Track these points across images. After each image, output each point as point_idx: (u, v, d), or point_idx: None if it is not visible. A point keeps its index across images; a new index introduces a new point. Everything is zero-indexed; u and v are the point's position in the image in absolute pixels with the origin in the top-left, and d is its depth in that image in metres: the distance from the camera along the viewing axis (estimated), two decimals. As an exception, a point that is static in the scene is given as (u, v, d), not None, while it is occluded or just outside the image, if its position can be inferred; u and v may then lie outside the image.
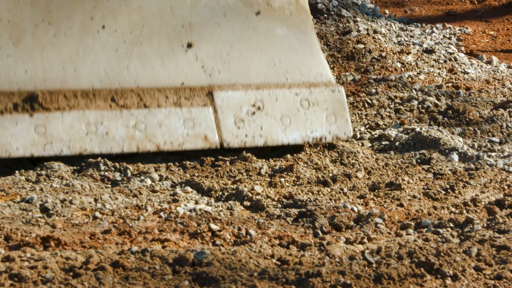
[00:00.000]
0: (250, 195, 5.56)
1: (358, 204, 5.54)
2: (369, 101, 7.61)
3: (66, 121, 5.76)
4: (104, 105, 5.87)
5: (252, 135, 6.17)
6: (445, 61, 9.08)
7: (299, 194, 5.64)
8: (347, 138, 6.47)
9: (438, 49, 9.36)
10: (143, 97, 5.98)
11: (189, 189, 5.65)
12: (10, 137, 5.65)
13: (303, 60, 6.54)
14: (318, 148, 6.41)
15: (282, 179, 5.85)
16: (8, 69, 5.79)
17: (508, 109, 7.76)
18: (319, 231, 5.08)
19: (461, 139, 6.82)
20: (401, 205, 5.57)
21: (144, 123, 5.94)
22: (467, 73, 8.74)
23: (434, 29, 10.36)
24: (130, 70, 6.06)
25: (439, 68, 8.87)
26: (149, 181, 5.70)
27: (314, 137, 6.36)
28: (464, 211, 5.46)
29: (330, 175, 5.98)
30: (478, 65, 8.99)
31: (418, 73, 8.64)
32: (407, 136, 6.81)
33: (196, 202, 5.46)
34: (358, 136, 6.89)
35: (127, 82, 6.04)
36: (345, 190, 5.77)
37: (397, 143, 6.68)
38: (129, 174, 5.78)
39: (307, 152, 6.36)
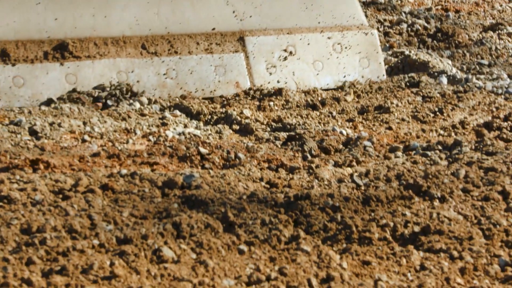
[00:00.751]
0: (239, 118, 5.56)
1: (347, 127, 5.55)
2: (358, 23, 7.55)
3: (97, 69, 5.65)
4: (134, 53, 5.75)
5: (284, 81, 6.07)
6: (434, -17, 9.00)
7: (288, 117, 5.64)
8: (381, 81, 6.34)
9: (428, -29, 9.27)
10: (174, 44, 5.85)
11: (178, 112, 5.64)
12: (41, 87, 5.53)
13: (335, 3, 6.37)
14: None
15: (271, 103, 5.84)
16: (38, 17, 5.61)
17: (497, 32, 7.72)
18: (308, 155, 5.09)
19: (450, 61, 6.81)
20: (390, 128, 5.58)
21: (175, 71, 5.83)
22: (457, -5, 8.68)
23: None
24: (161, 16, 5.89)
25: (429, -10, 8.80)
26: (138, 105, 5.68)
27: (347, 81, 6.24)
28: (453, 134, 5.48)
29: (319, 98, 5.97)
30: (468, -13, 8.92)
31: (407, -4, 8.58)
32: (396, 59, 6.79)
33: (185, 126, 5.45)
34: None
35: (157, 29, 5.89)
36: (334, 113, 5.78)
37: (386, 66, 6.65)
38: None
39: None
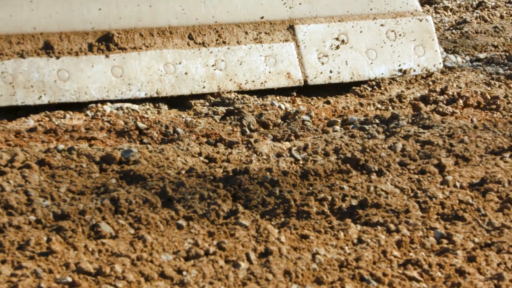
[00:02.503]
0: (177, 93, 5.53)
1: (286, 101, 5.56)
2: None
3: (144, 61, 5.38)
4: (181, 43, 5.49)
5: (337, 71, 5.80)
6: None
7: (226, 92, 5.62)
8: (437, 70, 6.12)
9: None
10: (221, 34, 5.60)
11: (115, 86, 5.59)
12: (87, 80, 5.26)
13: None
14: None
15: (210, 77, 5.82)
16: (81, 7, 5.35)
17: (433, 5, 7.79)
18: (247, 129, 5.09)
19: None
20: (328, 102, 5.61)
21: (224, 62, 5.58)
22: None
23: None
24: (207, 5, 5.62)
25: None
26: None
27: (402, 70, 5.99)
28: (390, 107, 5.53)
29: (258, 72, 5.96)
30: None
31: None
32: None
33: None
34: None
35: (204, 18, 5.63)
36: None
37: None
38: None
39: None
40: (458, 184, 4.13)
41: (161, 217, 3.72)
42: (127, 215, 3.74)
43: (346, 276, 3.17)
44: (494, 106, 5.54)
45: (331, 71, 5.77)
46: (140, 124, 4.95)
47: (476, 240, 3.54)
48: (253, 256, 3.33)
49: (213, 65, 5.54)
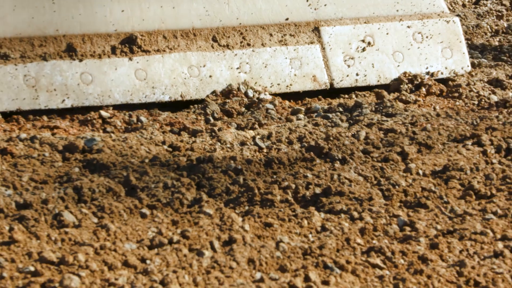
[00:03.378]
0: (141, 81, 5.51)
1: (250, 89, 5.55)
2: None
3: (167, 64, 5.21)
4: (205, 46, 5.33)
5: (363, 74, 5.65)
6: None
7: (190, 80, 5.61)
8: (465, 72, 5.96)
9: None
10: (246, 36, 5.44)
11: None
12: (110, 83, 5.08)
13: None
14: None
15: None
16: (103, 9, 5.17)
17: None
18: (211, 118, 5.08)
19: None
20: (292, 91, 5.62)
21: (249, 64, 5.41)
22: None
23: None
24: (231, 7, 5.46)
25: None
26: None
27: (430, 73, 5.81)
28: (353, 96, 5.55)
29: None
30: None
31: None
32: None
33: (86, 89, 5.38)
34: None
35: (228, 20, 5.46)
36: (237, 76, 5.78)
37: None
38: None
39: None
40: (421, 172, 4.16)
41: (124, 206, 3.70)
42: (90, 204, 3.73)
43: (310, 263, 3.18)
44: (456, 94, 5.59)
45: (357, 74, 5.63)
46: (104, 113, 4.93)
47: (439, 227, 3.57)
48: (217, 244, 3.33)
49: (237, 68, 5.38)
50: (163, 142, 4.56)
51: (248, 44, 5.45)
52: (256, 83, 5.40)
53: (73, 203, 3.74)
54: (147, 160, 4.25)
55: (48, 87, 4.90)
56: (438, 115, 5.02)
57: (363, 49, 5.69)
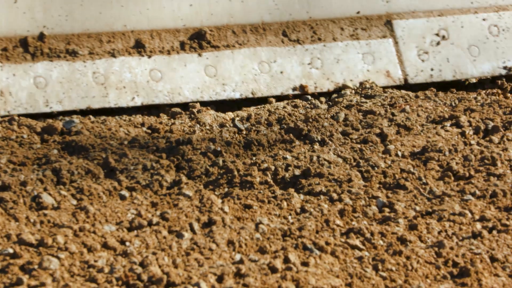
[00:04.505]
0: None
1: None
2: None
3: (237, 60, 5.02)
4: (275, 41, 5.13)
5: (438, 69, 5.41)
6: None
7: (169, 61, 5.59)
8: None
9: None
10: (316, 30, 5.23)
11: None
12: (180, 80, 4.89)
13: None
14: None
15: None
16: (171, 3, 4.99)
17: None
18: (190, 99, 5.08)
19: None
20: (271, 72, 5.61)
21: (320, 60, 5.19)
22: None
23: None
24: (301, 0, 5.26)
25: None
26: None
27: (507, 67, 5.53)
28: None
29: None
30: None
31: None
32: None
33: (64, 70, 5.35)
34: None
35: (298, 14, 5.26)
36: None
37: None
38: None
39: None
40: (399, 153, 4.17)
41: (103, 188, 3.69)
42: (69, 186, 3.71)
43: (289, 245, 3.19)
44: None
45: (432, 69, 5.40)
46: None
47: (418, 208, 3.58)
48: (196, 226, 3.33)
49: (309, 64, 5.18)
50: (142, 124, 4.55)
51: (319, 39, 5.25)
52: (328, 79, 5.21)
53: (52, 185, 3.72)
54: (126, 142, 4.23)
55: (118, 85, 4.74)
56: (416, 96, 5.03)
57: (437, 43, 5.47)
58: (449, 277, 3.00)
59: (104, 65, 4.75)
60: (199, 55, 4.96)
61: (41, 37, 4.66)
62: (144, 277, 2.86)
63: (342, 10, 5.36)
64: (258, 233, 3.30)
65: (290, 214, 3.54)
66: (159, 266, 2.96)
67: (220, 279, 2.87)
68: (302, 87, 5.09)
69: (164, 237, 3.23)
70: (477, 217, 3.49)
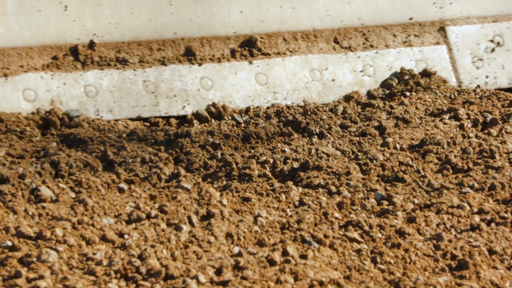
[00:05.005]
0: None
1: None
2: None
3: (288, 67, 4.93)
4: (327, 48, 5.03)
5: (493, 76, 5.30)
6: None
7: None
8: None
9: None
10: (368, 37, 5.16)
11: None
12: (231, 88, 4.80)
13: None
14: None
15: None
16: (222, 10, 4.90)
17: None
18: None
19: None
20: (270, 65, 5.61)
21: (373, 67, 5.11)
22: None
23: None
24: (353, 6, 5.18)
25: None
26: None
27: None
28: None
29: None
30: None
31: None
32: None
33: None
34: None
35: (350, 20, 5.17)
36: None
37: None
38: None
39: None
40: (398, 146, 4.17)
41: (102, 181, 3.69)
42: (68, 178, 3.71)
43: (288, 238, 3.19)
44: (434, 69, 5.59)
45: (487, 76, 5.31)
46: (80, 87, 4.90)
47: (416, 201, 3.58)
48: (195, 219, 3.33)
49: (361, 71, 5.09)
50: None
51: (371, 46, 5.17)
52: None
53: (50, 177, 3.72)
54: (124, 135, 4.23)
55: (168, 93, 4.64)
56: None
57: (492, 50, 5.38)
58: (448, 269, 3.01)
59: (155, 73, 4.66)
60: (250, 62, 4.86)
61: (91, 45, 4.57)
62: (143, 269, 2.86)
63: (394, 17, 5.26)
64: (257, 226, 3.30)
65: (289, 207, 3.54)
66: (158, 259, 2.96)
67: (218, 271, 2.88)
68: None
69: (163, 230, 3.23)
70: (475, 209, 3.50)
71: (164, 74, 4.67)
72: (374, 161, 3.98)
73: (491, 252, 3.12)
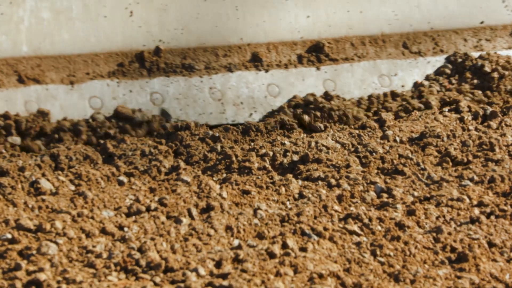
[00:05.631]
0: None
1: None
2: None
3: (357, 73, 4.78)
4: (395, 53, 4.90)
5: None
6: None
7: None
8: None
9: None
10: (438, 41, 5.01)
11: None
12: (298, 95, 4.61)
13: None
14: None
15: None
16: (288, 15, 4.74)
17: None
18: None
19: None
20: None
21: None
22: None
23: None
24: (422, 9, 5.03)
25: None
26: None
27: None
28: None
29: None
30: None
31: None
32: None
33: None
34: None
35: (419, 24, 5.02)
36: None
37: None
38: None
39: None
40: (398, 139, 4.17)
41: (102, 174, 3.69)
42: (68, 171, 3.71)
43: (288, 230, 3.19)
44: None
45: None
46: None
47: (416, 194, 3.58)
48: (194, 211, 3.33)
49: None
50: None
51: (441, 51, 5.03)
52: None
53: (50, 170, 3.72)
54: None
55: (235, 100, 4.51)
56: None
57: None
58: (447, 262, 3.01)
59: (221, 80, 4.53)
60: (317, 68, 4.71)
61: (157, 51, 4.45)
62: (143, 262, 2.87)
63: (465, 20, 5.12)
64: (256, 218, 3.30)
65: (288, 200, 3.54)
66: (157, 252, 2.96)
67: (218, 264, 2.88)
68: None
69: (163, 223, 3.23)
70: (475, 202, 3.50)
71: (230, 81, 4.53)
72: (374, 153, 3.98)
73: (491, 244, 3.13)
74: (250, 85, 4.54)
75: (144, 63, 4.42)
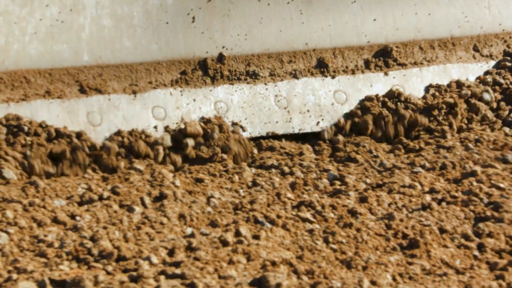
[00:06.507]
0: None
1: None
2: None
3: (426, 78, 4.57)
4: (466, 57, 4.71)
5: None
6: None
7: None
8: None
9: None
10: (510, 44, 4.81)
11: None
12: None
13: None
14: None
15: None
16: (354, 18, 4.53)
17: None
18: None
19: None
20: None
21: None
22: None
23: None
24: (493, 11, 4.82)
25: None
26: None
27: None
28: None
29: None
30: None
31: None
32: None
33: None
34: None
35: (490, 26, 4.81)
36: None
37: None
38: None
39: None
40: (351, 127, 4.19)
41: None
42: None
43: (241, 218, 3.19)
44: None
45: None
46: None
47: (368, 181, 3.61)
48: (147, 200, 3.32)
49: None
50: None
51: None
52: None
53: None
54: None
55: (301, 108, 4.31)
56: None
57: None
58: (399, 248, 3.03)
59: (286, 87, 4.34)
60: (385, 74, 4.53)
61: (221, 58, 4.26)
62: (95, 251, 2.85)
63: None
64: (210, 206, 3.30)
65: (242, 188, 3.54)
66: (110, 241, 2.95)
67: (171, 252, 2.87)
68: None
69: (115, 212, 3.22)
70: (426, 189, 3.53)
71: (296, 88, 4.35)
72: (327, 141, 3.99)
73: (442, 231, 3.16)
74: (316, 92, 4.37)
75: (207, 70, 4.23)
